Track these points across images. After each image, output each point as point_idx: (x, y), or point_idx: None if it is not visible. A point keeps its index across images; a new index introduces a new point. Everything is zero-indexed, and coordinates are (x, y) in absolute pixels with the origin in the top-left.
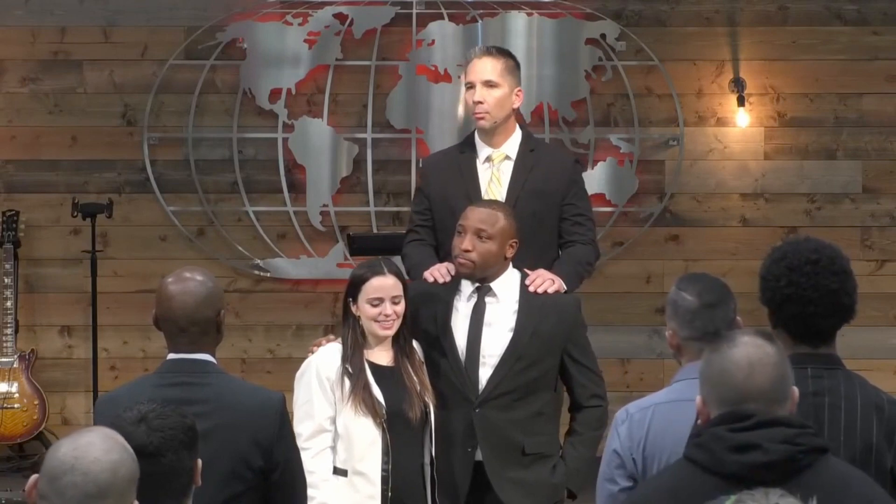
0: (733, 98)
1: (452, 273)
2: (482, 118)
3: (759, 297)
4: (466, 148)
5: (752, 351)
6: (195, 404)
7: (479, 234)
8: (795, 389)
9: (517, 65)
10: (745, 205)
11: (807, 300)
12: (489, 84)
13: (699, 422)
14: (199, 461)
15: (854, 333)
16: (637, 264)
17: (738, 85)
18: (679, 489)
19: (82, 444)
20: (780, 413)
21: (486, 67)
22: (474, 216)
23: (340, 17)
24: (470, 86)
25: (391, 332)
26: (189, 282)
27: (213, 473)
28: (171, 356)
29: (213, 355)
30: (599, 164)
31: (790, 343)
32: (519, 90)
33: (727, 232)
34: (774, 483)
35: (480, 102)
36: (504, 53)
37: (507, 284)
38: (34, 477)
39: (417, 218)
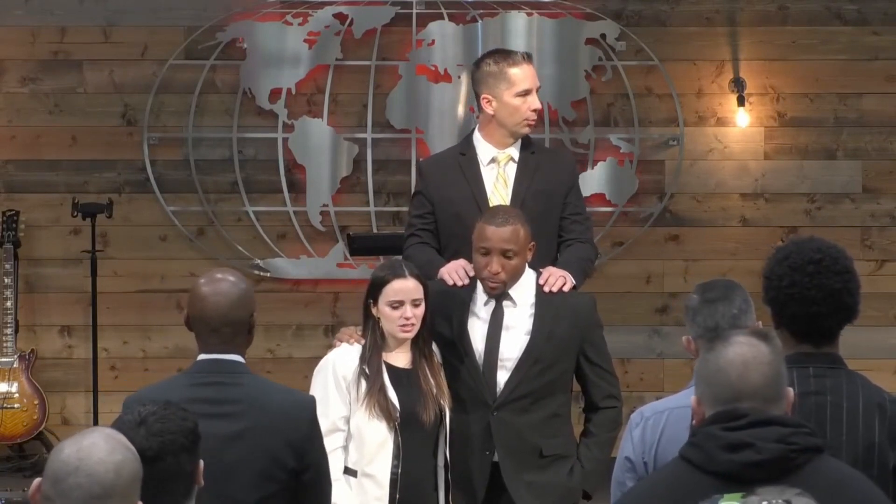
0: (733, 98)
1: (471, 274)
2: (532, 125)
3: (762, 296)
4: (467, 150)
5: (746, 350)
6: (227, 404)
7: (504, 254)
8: (790, 389)
9: None
10: (745, 205)
11: (810, 300)
12: (538, 90)
13: (694, 421)
14: (201, 462)
15: (854, 333)
16: (637, 264)
17: (738, 85)
18: (673, 488)
19: (86, 446)
20: (775, 412)
21: (535, 74)
22: (497, 237)
23: (340, 17)
24: (526, 92)
25: (411, 335)
26: (222, 283)
27: (246, 474)
28: (203, 356)
29: (244, 356)
30: (599, 164)
31: (793, 342)
32: None
33: (727, 232)
34: (768, 482)
35: (537, 110)
36: None
37: (525, 287)
38: (38, 480)
39: (419, 222)
